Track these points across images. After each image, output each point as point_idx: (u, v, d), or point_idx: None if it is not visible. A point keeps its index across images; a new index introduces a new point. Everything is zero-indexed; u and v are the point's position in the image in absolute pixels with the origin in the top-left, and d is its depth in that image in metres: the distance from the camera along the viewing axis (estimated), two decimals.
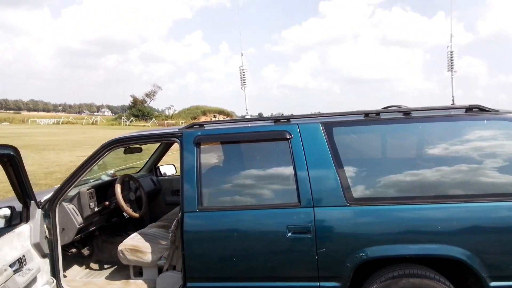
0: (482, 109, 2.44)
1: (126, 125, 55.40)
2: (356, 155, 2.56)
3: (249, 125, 2.74)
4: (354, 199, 2.33)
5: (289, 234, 2.33)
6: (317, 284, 2.34)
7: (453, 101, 3.02)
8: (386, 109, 2.75)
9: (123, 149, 3.30)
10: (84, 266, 3.26)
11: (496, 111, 2.41)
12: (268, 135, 2.57)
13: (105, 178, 3.58)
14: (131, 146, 3.27)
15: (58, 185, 2.81)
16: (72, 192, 2.92)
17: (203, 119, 70.18)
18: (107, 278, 3.02)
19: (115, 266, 3.23)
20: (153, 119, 61.98)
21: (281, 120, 2.64)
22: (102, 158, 2.77)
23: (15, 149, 2.29)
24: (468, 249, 2.17)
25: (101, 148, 2.76)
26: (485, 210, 2.20)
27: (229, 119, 3.16)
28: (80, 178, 2.74)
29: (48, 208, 2.67)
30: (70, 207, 2.87)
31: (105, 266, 3.27)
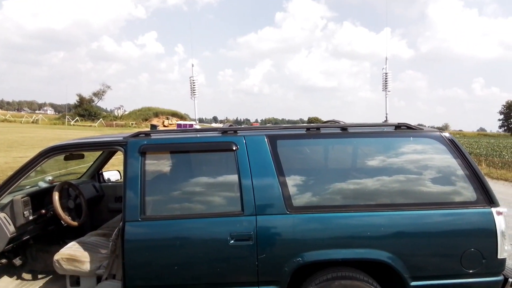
0: (409, 127, 2.71)
1: (70, 124, 52.25)
2: (297, 167, 2.71)
3: (197, 135, 2.79)
4: (293, 207, 2.47)
5: (232, 241, 2.41)
6: None
7: (386, 118, 3.30)
8: (326, 125, 2.94)
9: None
10: (15, 277, 3.07)
11: (420, 129, 2.69)
12: (215, 146, 2.64)
13: (43, 184, 3.41)
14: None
15: None
16: (5, 199, 2.76)
17: (155, 121, 68.30)
18: None
19: (50, 276, 3.08)
20: (101, 119, 59.16)
21: (228, 132, 2.72)
22: (40, 165, 2.66)
23: None
24: (392, 252, 2.39)
25: (38, 155, 2.64)
26: (407, 218, 2.45)
27: (175, 129, 3.18)
28: (14, 186, 2.61)
29: None
30: (1, 215, 2.71)
31: (39, 276, 3.11)
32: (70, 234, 3.51)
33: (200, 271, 2.45)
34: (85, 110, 62.15)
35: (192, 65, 3.42)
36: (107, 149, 2.84)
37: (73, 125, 52.44)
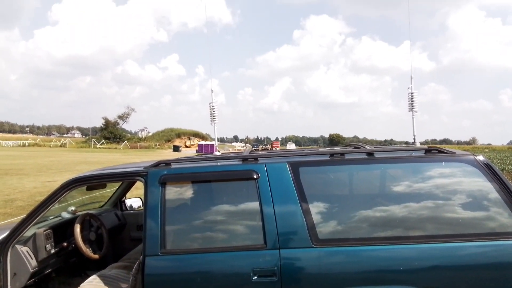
0: (440, 151, 2.55)
1: (96, 147, 53.81)
2: (321, 195, 2.58)
3: (217, 163, 2.73)
4: (319, 240, 2.33)
5: (255, 277, 2.29)
6: None
7: (414, 140, 3.14)
8: (350, 150, 2.82)
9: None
10: None
11: (453, 152, 2.53)
12: (236, 174, 2.56)
13: (66, 215, 3.41)
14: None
15: (13, 227, 2.65)
16: (28, 232, 2.76)
17: (177, 141, 69.57)
18: None
19: None
20: (125, 141, 60.63)
21: (249, 159, 2.64)
22: (62, 197, 2.66)
23: None
24: None
25: (60, 188, 2.64)
26: (442, 250, 2.26)
27: (195, 156, 3.13)
28: (37, 218, 2.61)
29: (0, 252, 2.51)
30: (24, 249, 2.71)
31: None
32: (92, 265, 3.48)
33: None
34: (110, 132, 64.12)
35: (212, 91, 3.39)
36: (127, 180, 2.81)
37: (99, 147, 53.99)
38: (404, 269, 2.24)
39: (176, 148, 55.17)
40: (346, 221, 2.43)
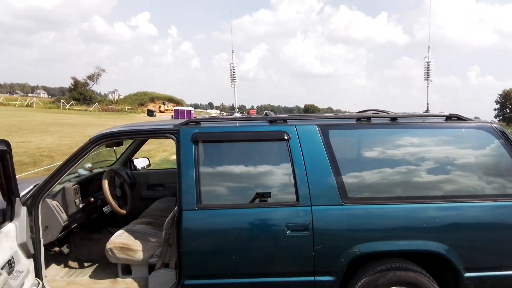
0: (459, 118, 2.71)
1: (66, 109, 51.57)
2: (349, 157, 2.71)
3: (248, 124, 2.77)
4: (348, 198, 2.48)
5: (288, 231, 2.42)
6: (312, 278, 2.46)
7: (427, 108, 3.29)
8: (375, 114, 2.94)
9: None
10: (62, 265, 3.07)
11: (471, 120, 2.70)
12: (267, 135, 2.62)
13: (82, 172, 3.38)
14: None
15: (41, 181, 2.62)
16: (55, 188, 2.73)
17: (151, 106, 67.67)
18: (92, 277, 2.89)
19: (97, 264, 3.09)
20: (96, 103, 58.35)
21: (278, 121, 2.70)
22: (91, 153, 2.64)
23: (7, 144, 2.10)
24: (448, 244, 2.43)
25: (89, 143, 2.61)
26: (463, 209, 2.48)
27: (223, 116, 3.14)
28: (66, 173, 2.59)
29: (31, 205, 2.49)
30: (54, 203, 2.69)
31: (85, 265, 3.12)
32: (108, 222, 3.51)
33: (256, 261, 2.47)
34: (80, 94, 61.28)
35: (233, 51, 3.36)
36: (157, 137, 2.80)
37: (69, 109, 51.78)
38: (427, 225, 2.44)
39: (150, 113, 53.83)
40: (374, 181, 2.58)
